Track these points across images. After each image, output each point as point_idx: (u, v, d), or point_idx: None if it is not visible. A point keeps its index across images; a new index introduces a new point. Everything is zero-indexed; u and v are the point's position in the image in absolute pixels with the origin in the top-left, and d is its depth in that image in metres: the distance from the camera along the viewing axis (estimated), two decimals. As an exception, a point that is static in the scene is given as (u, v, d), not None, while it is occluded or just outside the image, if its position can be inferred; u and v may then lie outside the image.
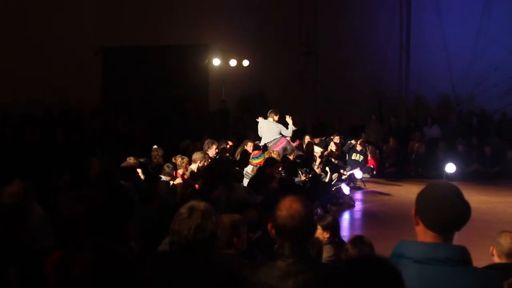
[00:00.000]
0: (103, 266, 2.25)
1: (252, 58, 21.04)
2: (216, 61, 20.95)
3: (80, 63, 20.53)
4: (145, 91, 21.24)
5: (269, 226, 3.51)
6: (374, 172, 17.69)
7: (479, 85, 21.21)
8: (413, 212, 2.89)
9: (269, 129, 14.63)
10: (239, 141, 15.89)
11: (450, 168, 16.80)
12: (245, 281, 3.46)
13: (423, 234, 2.85)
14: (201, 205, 3.56)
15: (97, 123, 18.40)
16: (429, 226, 2.84)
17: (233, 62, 20.92)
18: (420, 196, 2.89)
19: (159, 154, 12.38)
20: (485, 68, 21.05)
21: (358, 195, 14.64)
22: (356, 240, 5.08)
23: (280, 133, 14.54)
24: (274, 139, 14.53)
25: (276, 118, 14.70)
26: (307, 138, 16.31)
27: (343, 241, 6.24)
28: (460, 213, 2.81)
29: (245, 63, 21.05)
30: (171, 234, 3.58)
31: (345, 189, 13.67)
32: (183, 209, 3.56)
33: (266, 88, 21.55)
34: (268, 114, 14.83)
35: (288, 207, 3.39)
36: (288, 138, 14.59)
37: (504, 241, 4.78)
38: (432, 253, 2.75)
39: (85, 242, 2.55)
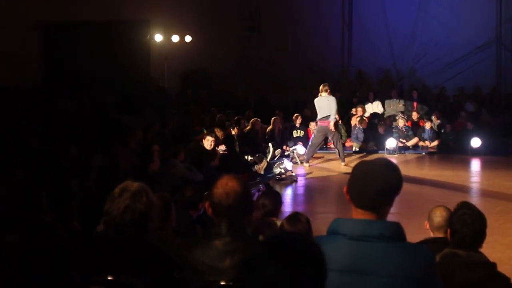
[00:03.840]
0: (28, 247, 2.18)
1: (194, 34, 20.84)
2: (158, 37, 20.66)
3: (17, 39, 19.97)
4: (86, 67, 20.82)
5: (206, 204, 3.50)
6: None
7: (420, 61, 21.54)
8: (344, 190, 2.90)
9: (321, 105, 14.96)
10: (184, 118, 15.80)
11: (391, 142, 17.06)
12: (182, 261, 3.43)
13: (355, 212, 2.86)
14: (134, 185, 3.50)
15: (35, 101, 17.96)
16: (355, 203, 2.85)
17: (175, 38, 20.68)
18: (350, 174, 2.90)
19: None
20: (425, 43, 21.37)
21: (300, 171, 14.71)
22: (292, 217, 5.08)
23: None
24: (325, 116, 14.88)
25: (326, 93, 14.92)
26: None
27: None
28: (381, 189, 2.81)
29: (188, 39, 20.84)
30: (104, 214, 3.53)
31: (288, 164, 13.71)
32: (116, 189, 3.50)
33: (209, 64, 21.41)
34: (320, 90, 15.06)
35: (224, 185, 3.37)
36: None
37: (434, 215, 4.86)
38: (366, 230, 2.76)
39: (12, 222, 2.48)
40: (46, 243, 2.29)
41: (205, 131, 13.77)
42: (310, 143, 15.42)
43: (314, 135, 15.53)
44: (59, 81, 20.14)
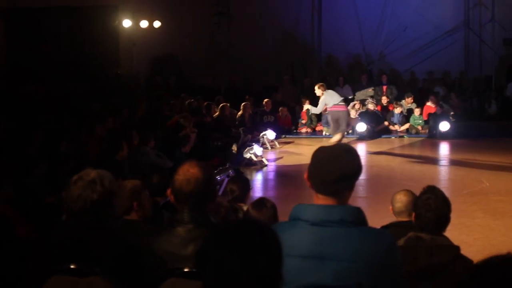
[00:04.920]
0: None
1: (163, 19, 20.68)
2: (127, 22, 20.45)
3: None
4: (53, 53, 20.55)
5: (168, 191, 3.46)
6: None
7: (389, 45, 21.61)
8: (305, 176, 2.89)
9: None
10: (153, 104, 15.72)
11: (361, 127, 17.13)
12: (145, 248, 3.40)
13: (316, 197, 2.86)
14: (91, 174, 3.45)
15: (1, 87, 17.72)
16: (315, 189, 2.85)
17: (144, 23, 20.51)
18: (310, 160, 2.90)
19: None
20: (394, 28, 21.45)
21: (270, 156, 14.72)
22: (258, 202, 5.07)
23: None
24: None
25: (319, 92, 14.78)
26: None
27: None
28: (341, 174, 2.80)
29: (157, 24, 20.69)
30: (62, 202, 3.49)
31: (258, 150, 13.70)
32: (74, 177, 3.46)
33: (178, 49, 21.30)
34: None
35: (185, 171, 3.34)
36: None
37: (395, 201, 4.89)
38: (326, 215, 2.76)
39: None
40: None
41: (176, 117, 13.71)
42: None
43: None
44: (25, 66, 19.87)
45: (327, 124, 17.84)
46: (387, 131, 18.10)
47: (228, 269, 1.96)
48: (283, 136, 17.52)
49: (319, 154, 2.88)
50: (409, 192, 4.88)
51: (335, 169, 2.80)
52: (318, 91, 14.73)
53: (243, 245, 1.99)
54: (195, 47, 21.10)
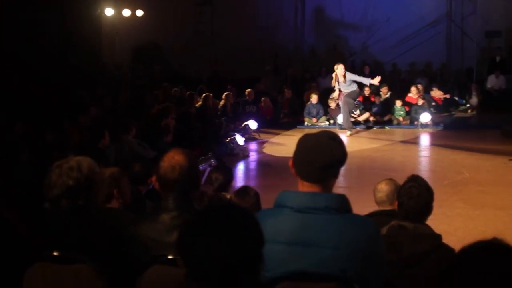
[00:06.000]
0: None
1: (146, 7, 20.58)
2: (109, 11, 20.31)
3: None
4: (35, 42, 20.35)
5: (153, 178, 3.47)
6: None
7: (372, 37, 21.68)
8: (290, 163, 2.90)
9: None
10: (135, 93, 15.66)
11: (341, 118, 17.14)
12: (129, 236, 3.40)
13: (301, 184, 2.87)
14: (71, 161, 3.45)
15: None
16: (300, 176, 2.86)
17: (126, 12, 20.39)
18: (295, 147, 2.91)
19: None
20: (377, 19, 21.51)
21: (252, 146, 14.72)
22: (241, 190, 5.08)
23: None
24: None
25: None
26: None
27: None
28: (326, 161, 2.82)
29: (139, 13, 20.58)
30: (44, 189, 3.49)
31: (240, 139, 13.70)
32: (54, 164, 3.46)
33: (161, 38, 21.22)
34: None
35: (170, 158, 3.36)
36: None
37: (377, 190, 4.92)
38: (311, 202, 2.78)
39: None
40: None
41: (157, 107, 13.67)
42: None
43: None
44: (6, 56, 19.62)
45: (309, 114, 17.88)
46: (369, 121, 18.13)
47: (212, 253, 1.96)
48: (265, 127, 17.52)
49: (304, 141, 2.90)
50: (392, 181, 4.91)
51: (320, 156, 2.81)
52: (340, 68, 15.30)
53: (227, 229, 1.99)
54: (178, 36, 21.03)
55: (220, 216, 2.05)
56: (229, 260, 1.96)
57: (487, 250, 1.78)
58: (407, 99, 18.43)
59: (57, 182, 3.38)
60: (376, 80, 15.80)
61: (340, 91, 15.78)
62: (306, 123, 17.92)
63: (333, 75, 15.65)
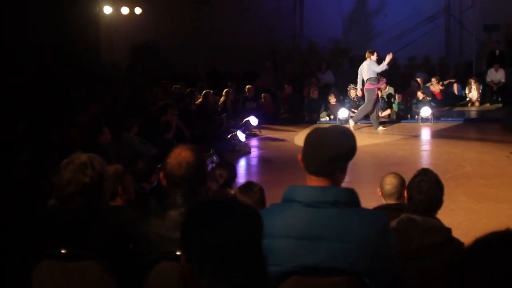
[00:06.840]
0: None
1: (144, 5, 20.51)
2: (107, 9, 20.26)
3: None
4: (34, 41, 20.32)
5: (161, 174, 3.46)
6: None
7: (371, 31, 21.65)
8: (299, 157, 2.89)
9: (369, 69, 15.72)
10: (134, 91, 15.63)
11: (342, 113, 17.15)
12: (136, 233, 3.39)
13: (309, 179, 2.86)
14: (81, 157, 3.43)
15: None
16: (309, 170, 2.85)
17: (125, 10, 20.33)
18: (304, 141, 2.90)
19: None
20: (375, 14, 21.48)
21: (253, 142, 14.73)
22: (245, 186, 5.06)
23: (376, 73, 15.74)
24: (371, 77, 15.73)
25: (373, 57, 15.73)
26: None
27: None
28: (335, 155, 2.82)
29: (137, 10, 20.51)
30: (52, 187, 3.47)
31: (241, 136, 13.71)
32: (64, 161, 3.44)
33: (160, 36, 21.15)
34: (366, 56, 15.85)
35: (177, 155, 3.34)
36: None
37: (384, 183, 4.91)
38: (320, 196, 2.77)
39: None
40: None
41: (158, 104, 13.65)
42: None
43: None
44: (5, 54, 19.59)
45: (308, 109, 17.88)
46: (369, 117, 18.10)
47: (210, 243, 1.92)
48: (266, 123, 17.51)
49: (313, 135, 2.89)
50: (398, 175, 4.91)
51: (327, 148, 2.81)
52: (372, 57, 15.63)
53: (226, 224, 1.95)
54: (176, 33, 20.97)
55: (221, 205, 2.02)
56: (229, 251, 1.92)
57: (503, 239, 1.75)
58: (407, 93, 18.42)
59: (73, 180, 3.35)
60: (387, 59, 15.86)
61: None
62: (307, 118, 17.88)
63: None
